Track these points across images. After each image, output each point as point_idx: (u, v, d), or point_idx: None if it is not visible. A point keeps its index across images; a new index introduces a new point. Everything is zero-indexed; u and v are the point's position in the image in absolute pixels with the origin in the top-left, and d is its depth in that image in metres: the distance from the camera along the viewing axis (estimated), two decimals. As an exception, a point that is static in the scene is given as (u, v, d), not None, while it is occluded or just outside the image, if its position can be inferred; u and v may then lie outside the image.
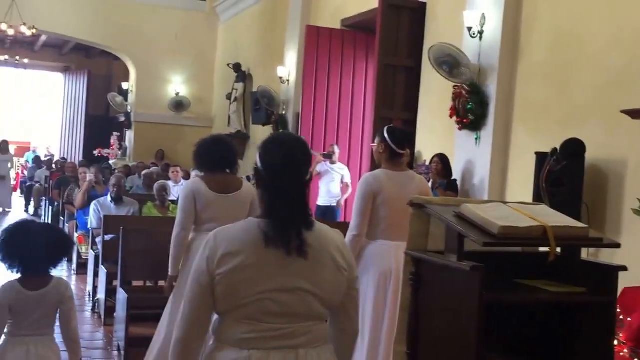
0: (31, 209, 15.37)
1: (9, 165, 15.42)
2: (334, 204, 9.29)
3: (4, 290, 3.10)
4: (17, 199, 17.15)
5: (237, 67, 13.83)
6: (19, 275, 3.17)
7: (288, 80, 11.28)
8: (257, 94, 11.92)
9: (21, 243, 3.09)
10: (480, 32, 6.74)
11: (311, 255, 1.99)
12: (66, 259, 3.28)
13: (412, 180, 4.23)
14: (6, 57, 18.31)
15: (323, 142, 9.71)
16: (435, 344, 2.81)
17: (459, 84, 6.77)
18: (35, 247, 3.07)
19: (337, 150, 9.31)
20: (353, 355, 2.27)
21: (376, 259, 4.07)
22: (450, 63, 6.73)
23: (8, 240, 3.11)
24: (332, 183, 9.25)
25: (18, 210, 15.49)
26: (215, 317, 2.07)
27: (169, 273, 4.40)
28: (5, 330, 3.12)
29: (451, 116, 6.88)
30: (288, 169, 2.00)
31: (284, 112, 11.29)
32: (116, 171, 10.86)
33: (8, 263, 3.12)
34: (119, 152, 16.46)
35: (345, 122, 10.04)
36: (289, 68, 11.31)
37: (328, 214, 9.07)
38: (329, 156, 9.19)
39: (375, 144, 4.37)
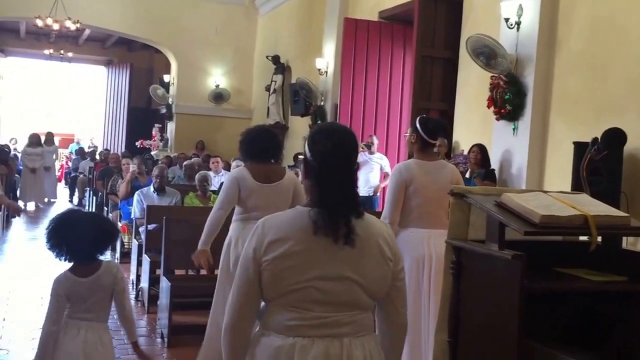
0: (75, 199, 15.61)
1: (54, 156, 15.71)
2: (372, 194, 9.29)
3: (59, 282, 3.18)
4: (62, 190, 17.50)
5: (275, 59, 13.89)
6: (69, 265, 3.25)
7: (326, 72, 11.30)
8: (295, 86, 11.97)
9: (68, 232, 3.14)
10: (518, 23, 6.67)
11: (358, 244, 1.98)
12: (111, 247, 3.32)
13: (443, 169, 4.24)
14: (51, 50, 18.63)
15: (361, 133, 9.70)
16: (476, 332, 2.82)
17: (496, 75, 6.71)
18: (81, 236, 3.12)
19: (375, 140, 9.31)
20: (403, 347, 2.25)
21: (408, 246, 4.04)
22: (487, 54, 6.68)
23: (56, 229, 3.17)
24: (371, 173, 9.25)
25: (63, 201, 15.79)
26: (262, 304, 2.09)
27: (198, 247, 4.40)
28: (66, 312, 3.21)
29: (489, 106, 6.83)
30: (338, 158, 1.99)
31: (322, 103, 11.31)
32: (159, 162, 10.99)
33: (56, 251, 3.18)
34: (161, 144, 16.64)
35: (383, 113, 10.03)
36: (327, 60, 11.32)
37: (367, 204, 9.07)
38: (368, 146, 9.19)
39: (407, 134, 4.39)
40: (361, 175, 9.18)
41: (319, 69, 11.37)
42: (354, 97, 9.96)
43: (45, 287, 3.24)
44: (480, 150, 6.87)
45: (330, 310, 1.99)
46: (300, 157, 2.09)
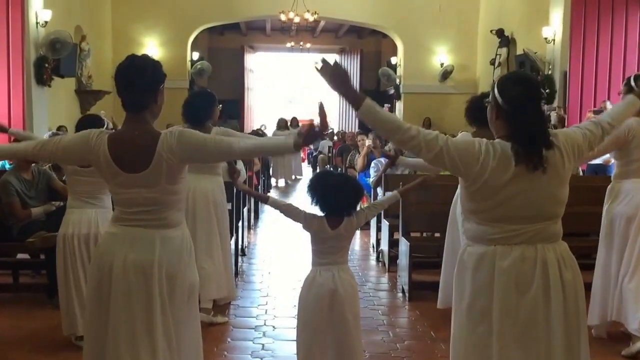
0: (317, 176, 16.38)
1: (298, 138, 16.61)
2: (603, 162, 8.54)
3: (312, 218, 3.32)
4: (306, 168, 18.50)
5: (500, 32, 13.46)
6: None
7: (553, 40, 10.67)
8: (521, 57, 11.46)
9: (320, 186, 3.31)
10: None
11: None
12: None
13: None
14: (292, 43, 19.69)
15: (593, 99, 9.07)
16: None
17: None
18: (333, 192, 3.27)
19: (609, 106, 8.60)
20: None
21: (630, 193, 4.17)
22: None
23: (312, 184, 3.35)
24: (604, 140, 8.52)
25: (307, 178, 16.63)
26: None
27: None
28: (314, 259, 3.36)
29: None
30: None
31: (550, 72, 10.70)
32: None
33: (313, 201, 3.33)
34: (390, 122, 16.87)
35: (617, 78, 9.24)
36: (554, 28, 10.68)
37: (599, 173, 8.39)
38: (599, 112, 8.52)
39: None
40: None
41: (546, 38, 10.76)
42: (584, 64, 9.31)
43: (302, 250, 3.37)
44: None
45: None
46: None
